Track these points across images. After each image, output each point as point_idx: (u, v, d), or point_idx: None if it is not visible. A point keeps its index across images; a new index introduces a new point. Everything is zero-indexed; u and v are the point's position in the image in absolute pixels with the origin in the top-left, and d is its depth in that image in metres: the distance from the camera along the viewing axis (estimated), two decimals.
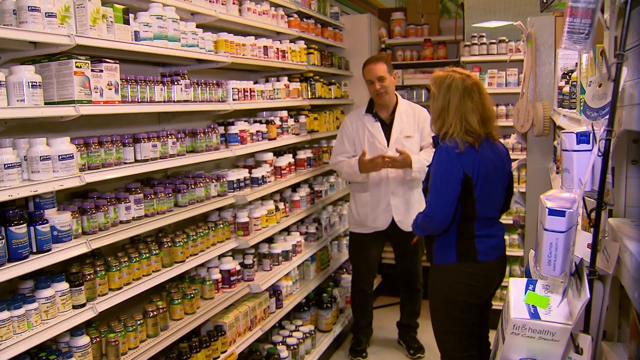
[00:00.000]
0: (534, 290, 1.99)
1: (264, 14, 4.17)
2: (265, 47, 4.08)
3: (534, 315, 1.89)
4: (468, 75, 3.05)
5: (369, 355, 4.79)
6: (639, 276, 1.34)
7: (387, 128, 4.44)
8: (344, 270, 5.57)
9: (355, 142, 4.48)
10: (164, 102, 2.98)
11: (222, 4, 3.59)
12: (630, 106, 1.54)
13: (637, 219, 1.75)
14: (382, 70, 4.34)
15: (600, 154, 1.63)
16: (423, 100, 6.12)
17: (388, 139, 4.40)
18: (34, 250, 2.24)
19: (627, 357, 1.64)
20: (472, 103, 2.96)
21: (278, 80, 4.42)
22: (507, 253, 3.32)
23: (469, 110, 2.95)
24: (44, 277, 2.36)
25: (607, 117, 1.60)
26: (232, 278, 3.58)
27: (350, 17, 6.15)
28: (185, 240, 3.12)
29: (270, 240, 4.17)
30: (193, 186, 3.25)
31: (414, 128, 4.43)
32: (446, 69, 3.12)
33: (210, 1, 3.45)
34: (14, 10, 2.19)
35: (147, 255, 2.86)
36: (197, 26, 3.30)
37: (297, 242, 4.35)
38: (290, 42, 4.60)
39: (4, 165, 2.10)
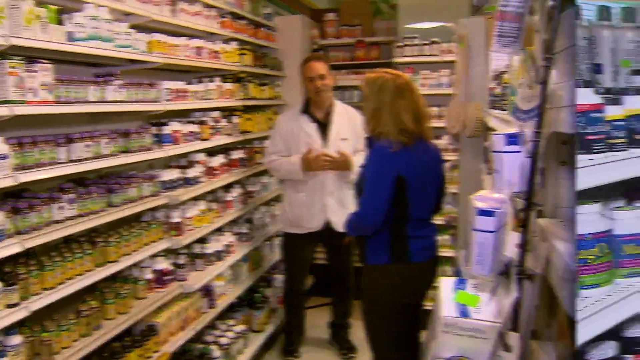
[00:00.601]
0: (464, 289, 2.03)
1: (197, 14, 4.17)
2: (199, 48, 4.10)
3: (464, 313, 1.93)
4: (399, 75, 3.08)
5: (301, 355, 4.81)
6: (567, 276, 1.36)
7: (322, 129, 4.39)
8: (277, 270, 5.60)
9: (290, 142, 4.40)
10: (98, 102, 2.98)
11: (155, 5, 3.59)
12: (559, 108, 1.56)
13: (565, 219, 1.73)
14: (324, 69, 4.32)
15: (528, 155, 1.66)
16: (355, 100, 6.21)
17: (324, 140, 4.35)
18: None
19: (555, 356, 1.64)
20: (405, 101, 2.97)
21: (211, 81, 4.43)
22: (439, 254, 3.30)
23: (401, 108, 2.95)
24: None
25: (536, 119, 1.63)
26: (165, 278, 3.59)
27: (283, 18, 6.18)
28: (118, 240, 3.12)
29: (203, 240, 4.18)
30: (126, 186, 3.25)
31: (349, 130, 4.39)
32: (378, 70, 3.15)
33: (143, 2, 3.45)
34: None
35: (81, 254, 2.85)
36: (131, 27, 3.29)
37: (230, 242, 4.38)
38: (224, 42, 4.62)
39: None
